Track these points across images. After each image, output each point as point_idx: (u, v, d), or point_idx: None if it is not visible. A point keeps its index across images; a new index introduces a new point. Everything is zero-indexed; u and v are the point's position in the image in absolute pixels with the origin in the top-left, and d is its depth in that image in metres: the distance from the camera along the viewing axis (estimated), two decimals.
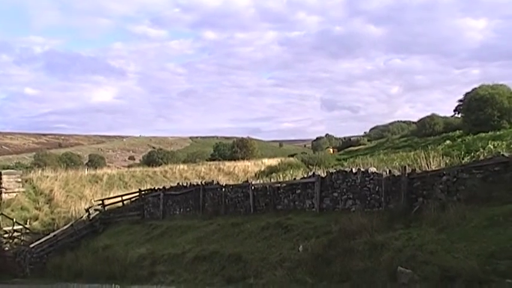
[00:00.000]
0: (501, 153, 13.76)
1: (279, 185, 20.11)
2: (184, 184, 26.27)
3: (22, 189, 33.38)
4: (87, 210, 29.37)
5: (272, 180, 23.63)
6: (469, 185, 12.78)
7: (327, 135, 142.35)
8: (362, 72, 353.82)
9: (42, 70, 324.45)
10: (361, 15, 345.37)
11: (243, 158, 71.61)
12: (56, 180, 37.29)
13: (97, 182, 41.12)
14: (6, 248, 27.72)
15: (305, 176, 20.01)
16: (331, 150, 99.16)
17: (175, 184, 27.43)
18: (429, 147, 37.66)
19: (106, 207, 29.80)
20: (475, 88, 56.43)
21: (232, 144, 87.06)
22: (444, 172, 13.85)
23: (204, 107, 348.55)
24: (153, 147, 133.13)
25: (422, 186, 14.20)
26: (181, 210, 25.23)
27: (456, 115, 72.31)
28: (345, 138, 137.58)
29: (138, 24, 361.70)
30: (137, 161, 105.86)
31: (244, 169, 57.66)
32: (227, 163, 60.98)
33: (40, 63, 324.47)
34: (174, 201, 25.94)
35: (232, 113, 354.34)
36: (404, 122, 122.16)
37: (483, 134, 41.50)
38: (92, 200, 32.67)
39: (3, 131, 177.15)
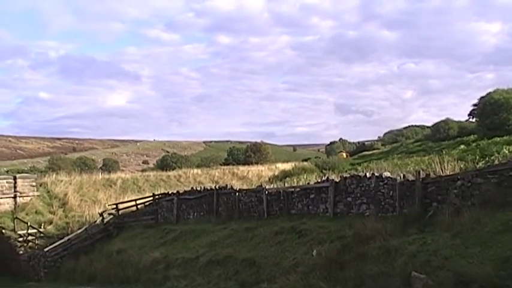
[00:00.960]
0: None
1: (293, 189, 20.12)
2: (198, 188, 26.33)
3: (36, 193, 33.50)
4: (101, 214, 29.47)
5: (286, 184, 23.74)
6: (484, 190, 12.67)
7: (340, 139, 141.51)
8: (375, 77, 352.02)
9: (57, 74, 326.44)
10: (375, 20, 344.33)
11: (256, 163, 71.28)
12: (70, 184, 37.37)
13: (111, 186, 41.18)
14: (21, 252, 27.84)
15: (319, 180, 19.99)
16: (344, 154, 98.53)
17: (189, 188, 27.46)
18: (443, 152, 37.47)
19: (120, 212, 29.93)
20: (490, 92, 55.98)
21: (246, 148, 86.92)
22: (459, 177, 13.78)
23: (218, 111, 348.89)
24: (167, 152, 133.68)
25: (437, 191, 14.13)
26: (195, 214, 25.28)
27: (470, 119, 71.87)
28: (358, 142, 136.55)
29: (151, 29, 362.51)
30: (151, 165, 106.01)
31: (258, 174, 57.51)
32: (241, 167, 60.71)
33: (55, 68, 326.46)
34: (188, 205, 25.99)
35: (245, 117, 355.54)
36: (418, 126, 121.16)
37: (498, 139, 41.15)
38: (106, 204, 32.79)
39: (18, 135, 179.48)
